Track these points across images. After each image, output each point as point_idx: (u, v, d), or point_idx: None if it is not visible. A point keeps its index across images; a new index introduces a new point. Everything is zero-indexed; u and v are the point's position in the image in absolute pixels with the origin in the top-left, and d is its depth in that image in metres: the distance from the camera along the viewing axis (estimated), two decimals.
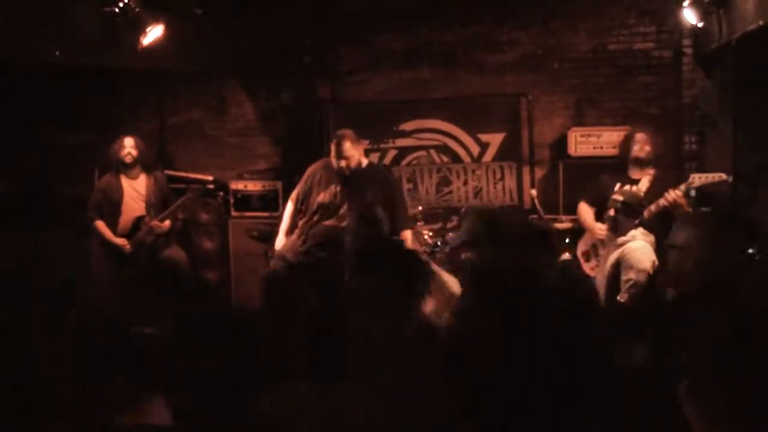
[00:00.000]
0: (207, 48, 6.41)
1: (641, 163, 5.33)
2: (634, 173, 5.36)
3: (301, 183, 5.30)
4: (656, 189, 5.17)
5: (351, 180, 5.07)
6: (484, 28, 6.93)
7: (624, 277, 4.97)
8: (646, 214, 5.10)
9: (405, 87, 7.15)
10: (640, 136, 5.39)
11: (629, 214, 5.19)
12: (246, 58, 7.01)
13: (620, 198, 5.26)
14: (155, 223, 5.57)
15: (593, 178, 5.62)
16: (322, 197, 5.10)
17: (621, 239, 5.14)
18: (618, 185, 5.34)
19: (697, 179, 5.04)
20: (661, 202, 5.01)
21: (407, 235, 5.15)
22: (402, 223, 5.12)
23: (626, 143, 5.49)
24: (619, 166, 5.52)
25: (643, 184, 5.28)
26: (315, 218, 5.13)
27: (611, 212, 5.28)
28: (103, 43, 5.33)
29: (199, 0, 6.07)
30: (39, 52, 5.08)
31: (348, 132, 5.12)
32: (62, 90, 6.48)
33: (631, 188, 5.29)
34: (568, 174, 6.38)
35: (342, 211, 5.06)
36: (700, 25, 5.86)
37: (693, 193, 5.24)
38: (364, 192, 4.98)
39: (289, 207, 5.36)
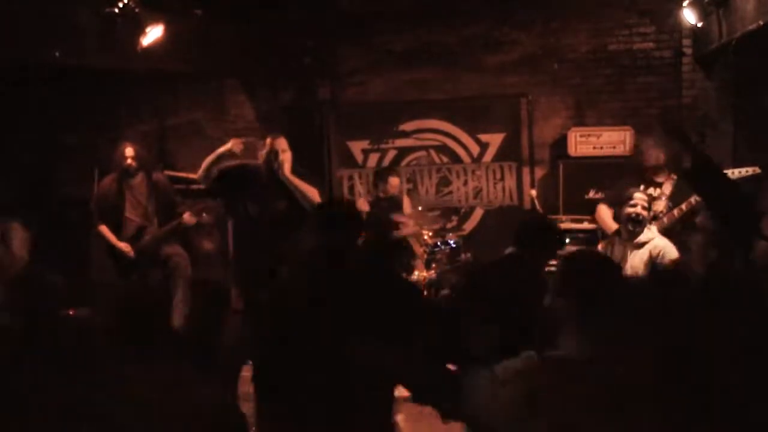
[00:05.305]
0: (207, 48, 6.40)
1: (659, 169, 5.11)
2: (657, 176, 5.11)
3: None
4: (680, 191, 4.91)
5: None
6: (484, 28, 6.94)
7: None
8: (666, 219, 4.82)
9: (405, 87, 7.15)
10: (648, 144, 5.18)
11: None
12: (246, 58, 7.01)
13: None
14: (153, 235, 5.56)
15: (597, 178, 5.53)
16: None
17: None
18: (642, 187, 4.99)
19: (729, 174, 4.50)
20: (686, 206, 4.75)
21: (315, 192, 4.88)
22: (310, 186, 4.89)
23: (639, 151, 5.24)
24: (623, 166, 5.43)
25: (666, 188, 5.05)
26: None
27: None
28: (103, 43, 5.33)
29: (200, 0, 6.07)
30: (39, 52, 5.07)
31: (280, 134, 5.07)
32: (62, 90, 6.48)
33: (655, 190, 5.06)
34: (568, 174, 6.37)
35: None
36: (699, 25, 5.86)
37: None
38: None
39: None
